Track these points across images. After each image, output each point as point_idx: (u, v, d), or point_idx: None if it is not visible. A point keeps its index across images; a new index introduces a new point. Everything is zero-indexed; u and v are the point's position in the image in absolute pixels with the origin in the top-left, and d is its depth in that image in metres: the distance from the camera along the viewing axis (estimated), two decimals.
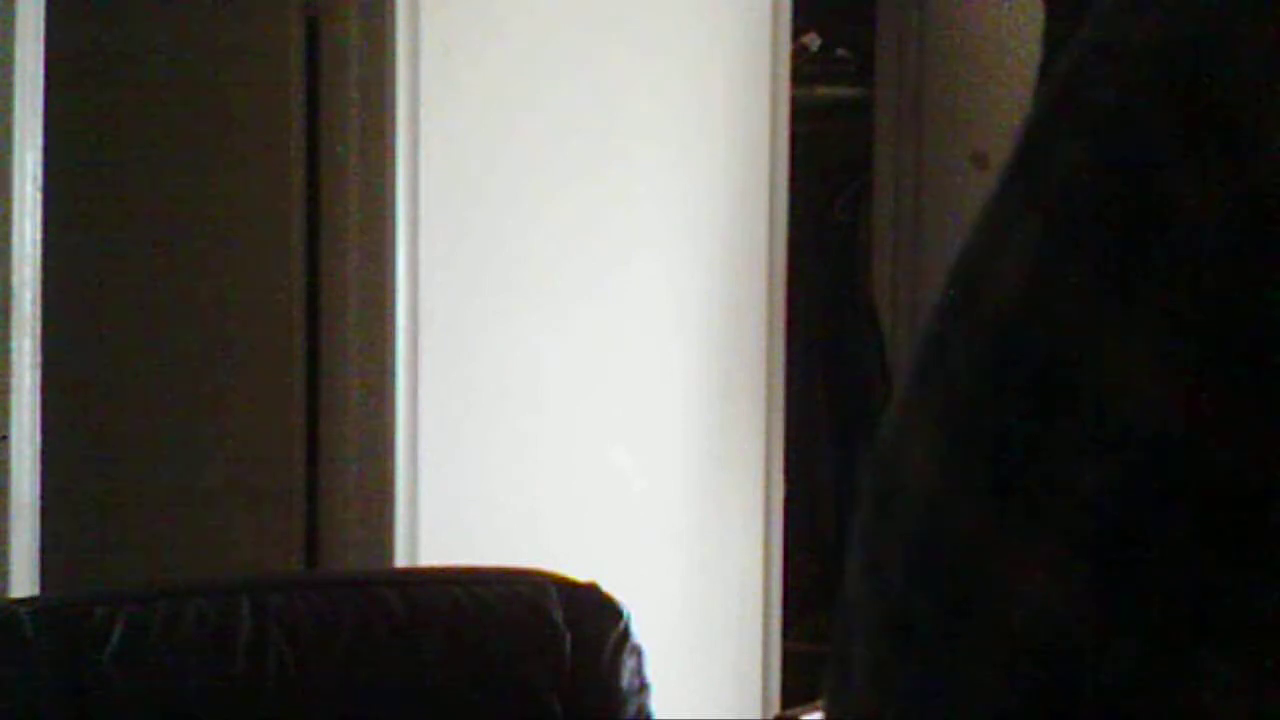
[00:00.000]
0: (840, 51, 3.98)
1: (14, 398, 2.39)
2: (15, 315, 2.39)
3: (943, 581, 0.43)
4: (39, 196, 2.42)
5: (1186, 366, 0.38)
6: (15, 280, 2.39)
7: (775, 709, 3.37)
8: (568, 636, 1.73)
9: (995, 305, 0.42)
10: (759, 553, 3.26)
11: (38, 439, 2.44)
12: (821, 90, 3.86)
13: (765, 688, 3.35)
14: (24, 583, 2.41)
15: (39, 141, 2.41)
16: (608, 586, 1.81)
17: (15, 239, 2.39)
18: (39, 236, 2.43)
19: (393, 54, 2.78)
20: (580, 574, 1.82)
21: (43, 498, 2.46)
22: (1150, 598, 0.40)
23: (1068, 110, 0.43)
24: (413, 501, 2.82)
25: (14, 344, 2.39)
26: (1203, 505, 0.39)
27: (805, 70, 3.67)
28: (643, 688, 1.77)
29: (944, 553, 0.43)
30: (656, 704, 1.78)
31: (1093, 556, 0.40)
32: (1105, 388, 0.40)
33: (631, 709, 1.75)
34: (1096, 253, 0.41)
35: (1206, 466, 0.39)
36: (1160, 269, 0.39)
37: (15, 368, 2.39)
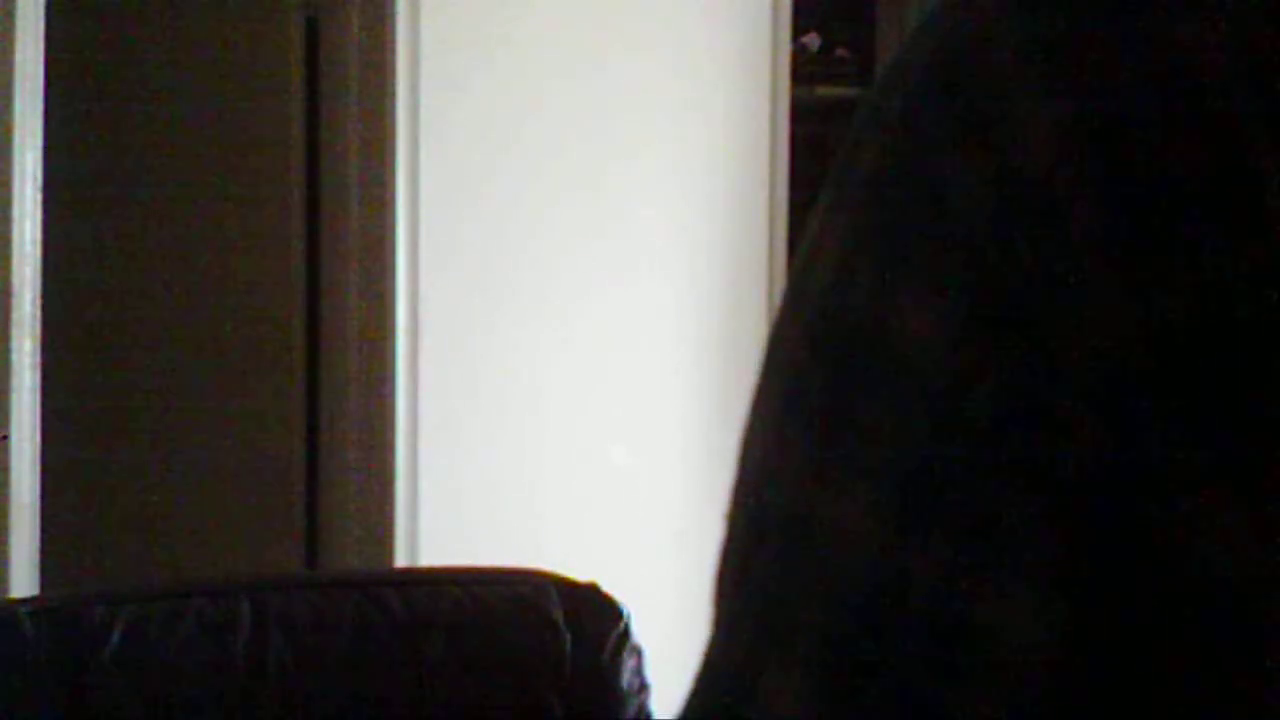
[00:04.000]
0: (840, 51, 3.98)
1: (14, 398, 2.39)
2: (15, 315, 2.40)
3: (777, 526, 0.49)
4: (39, 196, 2.42)
5: (956, 319, 0.46)
6: (15, 280, 2.39)
7: None
8: (568, 636, 1.73)
9: (815, 290, 0.50)
10: None
11: (38, 439, 2.44)
12: (821, 90, 3.85)
13: None
14: (24, 583, 2.41)
15: (39, 141, 2.42)
16: (608, 586, 1.81)
17: (15, 239, 2.39)
18: (39, 236, 2.43)
19: (393, 54, 2.78)
20: (580, 574, 1.82)
21: (43, 498, 2.46)
22: (945, 523, 0.46)
23: (870, 120, 0.50)
24: (413, 501, 2.82)
25: (14, 344, 2.39)
26: (979, 441, 0.46)
27: (805, 70, 3.67)
28: (643, 688, 1.77)
29: (777, 503, 0.49)
30: (656, 704, 1.78)
31: (896, 492, 0.46)
32: (897, 347, 0.47)
33: (631, 709, 1.75)
34: (886, 236, 0.48)
35: (978, 409, 0.46)
36: (936, 246, 0.47)
37: (15, 368, 2.39)
